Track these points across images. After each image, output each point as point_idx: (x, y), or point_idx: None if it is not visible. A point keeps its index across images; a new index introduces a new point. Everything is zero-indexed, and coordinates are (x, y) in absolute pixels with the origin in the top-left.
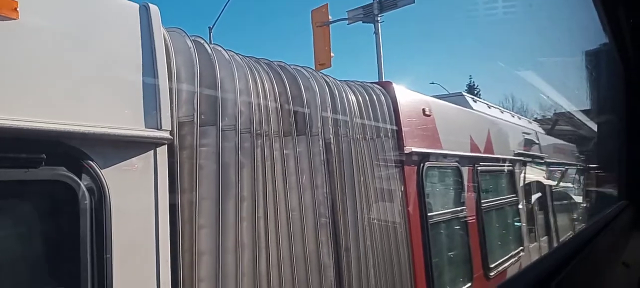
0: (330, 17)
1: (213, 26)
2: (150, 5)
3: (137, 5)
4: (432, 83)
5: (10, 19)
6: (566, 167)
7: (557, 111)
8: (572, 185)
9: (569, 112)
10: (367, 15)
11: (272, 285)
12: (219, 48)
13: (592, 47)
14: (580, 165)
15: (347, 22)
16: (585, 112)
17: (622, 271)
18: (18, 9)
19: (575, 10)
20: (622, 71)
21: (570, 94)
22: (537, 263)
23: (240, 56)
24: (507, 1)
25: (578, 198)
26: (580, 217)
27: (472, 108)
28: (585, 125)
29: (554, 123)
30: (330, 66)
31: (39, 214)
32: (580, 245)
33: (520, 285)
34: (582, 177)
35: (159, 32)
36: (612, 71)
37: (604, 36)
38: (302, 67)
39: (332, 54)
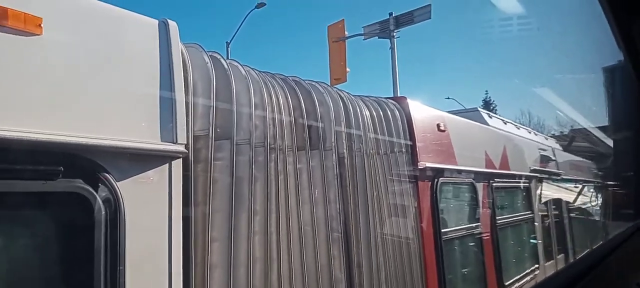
0: (346, 32)
1: (230, 41)
2: (169, 21)
3: (157, 22)
4: (448, 98)
5: (35, 34)
6: (583, 184)
7: (573, 127)
8: (589, 203)
9: (585, 128)
10: (383, 30)
11: None
12: (236, 63)
13: (607, 63)
14: (597, 183)
15: (363, 37)
16: (601, 128)
17: None
18: (42, 25)
19: (590, 27)
20: (638, 88)
21: (586, 111)
22: (549, 281)
23: (256, 71)
24: (522, 19)
25: (595, 216)
26: (598, 235)
27: (487, 124)
28: (602, 142)
29: (570, 139)
30: (346, 81)
31: (55, 225)
32: (593, 264)
33: None
34: (599, 195)
35: (177, 47)
36: (628, 88)
37: (619, 53)
38: (316, 82)
39: (347, 69)
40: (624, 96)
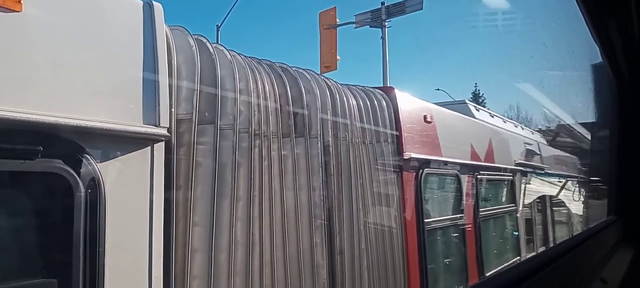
0: (337, 20)
1: (221, 24)
2: (154, 2)
3: (141, 2)
4: (438, 89)
5: (14, 11)
6: (566, 178)
7: (559, 123)
8: (571, 197)
9: (569, 124)
10: (375, 20)
11: (264, 284)
12: (221, 47)
13: (588, 63)
14: (580, 178)
15: (354, 25)
16: (585, 126)
17: (598, 286)
18: (22, 2)
19: (572, 26)
20: (616, 88)
21: (571, 108)
22: (515, 268)
23: (242, 56)
24: (511, 14)
25: (576, 210)
26: (578, 229)
27: (474, 116)
28: (586, 138)
29: (555, 135)
30: (336, 69)
31: (34, 205)
32: (558, 254)
33: (493, 285)
34: (581, 189)
35: (162, 29)
36: (607, 87)
37: (599, 54)
38: (304, 69)
39: (338, 57)
40: (604, 95)
